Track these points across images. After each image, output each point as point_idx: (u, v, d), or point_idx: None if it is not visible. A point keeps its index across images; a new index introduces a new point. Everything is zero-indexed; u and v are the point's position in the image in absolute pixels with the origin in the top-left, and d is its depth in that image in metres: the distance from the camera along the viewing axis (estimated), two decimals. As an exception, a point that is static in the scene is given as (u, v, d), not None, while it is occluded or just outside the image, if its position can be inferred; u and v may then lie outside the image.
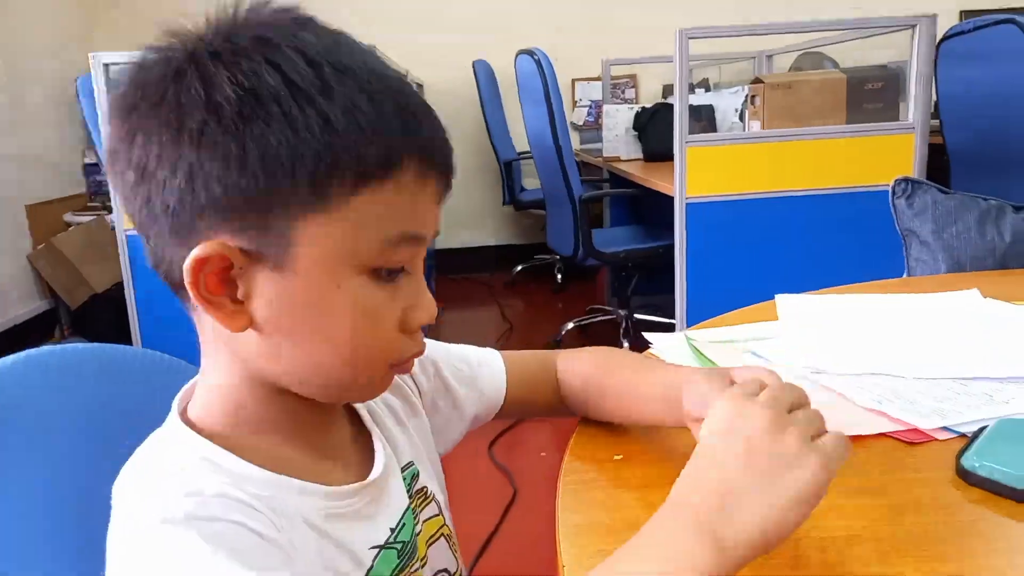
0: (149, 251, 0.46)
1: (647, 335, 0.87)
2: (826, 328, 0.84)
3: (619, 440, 0.62)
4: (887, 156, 2.25)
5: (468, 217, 4.63)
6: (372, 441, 0.55)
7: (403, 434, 0.59)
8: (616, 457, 0.59)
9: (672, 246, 2.29)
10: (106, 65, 2.13)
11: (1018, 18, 2.13)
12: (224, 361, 0.48)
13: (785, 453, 0.39)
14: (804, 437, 0.40)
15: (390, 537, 0.52)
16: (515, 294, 4.16)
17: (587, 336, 3.27)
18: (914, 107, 2.22)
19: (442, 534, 0.59)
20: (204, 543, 0.39)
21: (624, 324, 3.03)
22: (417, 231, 0.46)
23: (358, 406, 0.57)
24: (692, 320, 2.34)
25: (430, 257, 4.09)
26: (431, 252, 4.35)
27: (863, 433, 0.59)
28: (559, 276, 4.14)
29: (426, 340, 0.65)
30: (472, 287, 4.29)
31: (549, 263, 4.22)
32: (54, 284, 3.36)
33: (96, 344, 0.69)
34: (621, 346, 2.91)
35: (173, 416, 0.48)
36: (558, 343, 3.09)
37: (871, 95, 2.36)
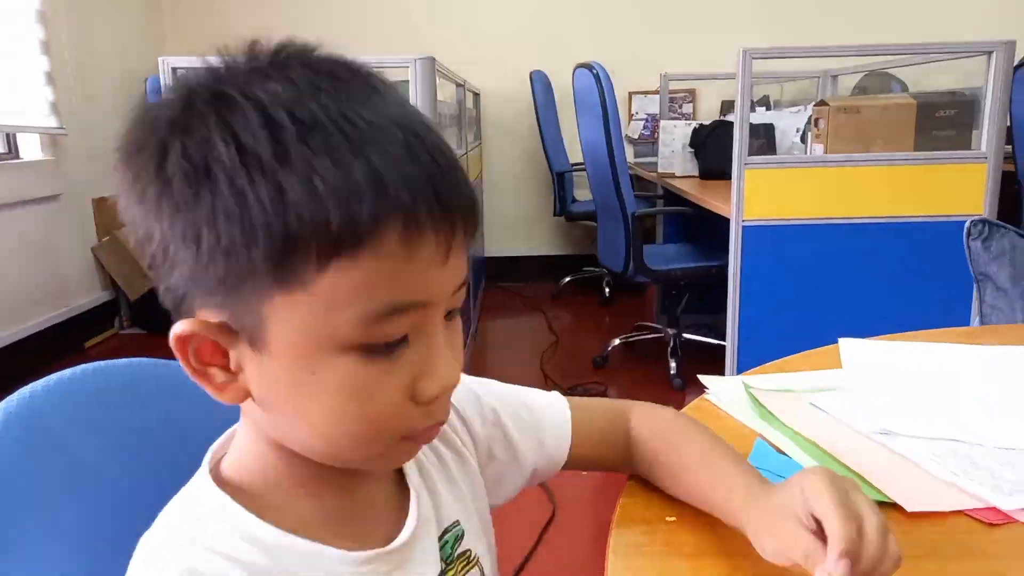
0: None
1: (702, 378, 0.84)
2: (896, 382, 0.80)
3: (674, 501, 0.59)
4: (957, 185, 2.17)
5: (518, 226, 4.63)
6: (411, 499, 0.51)
7: (451, 491, 0.55)
8: (669, 519, 0.57)
9: (725, 266, 2.25)
10: (174, 69, 2.19)
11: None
12: (247, 425, 0.47)
13: None
14: None
15: None
16: (562, 305, 4.13)
17: (634, 353, 3.22)
18: (987, 135, 2.13)
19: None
20: None
21: (672, 343, 2.98)
22: (411, 299, 0.40)
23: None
24: (743, 344, 2.28)
25: (478, 265, 4.11)
26: (480, 260, 4.35)
27: (938, 509, 0.56)
28: (607, 289, 4.10)
29: (487, 382, 0.62)
30: (519, 296, 4.28)
31: (598, 275, 4.18)
32: (116, 276, 3.47)
33: (162, 360, 0.68)
34: (669, 366, 2.87)
35: (203, 470, 0.47)
36: (604, 359, 3.06)
37: (942, 122, 2.28)
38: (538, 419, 0.61)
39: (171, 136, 0.39)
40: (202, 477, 0.47)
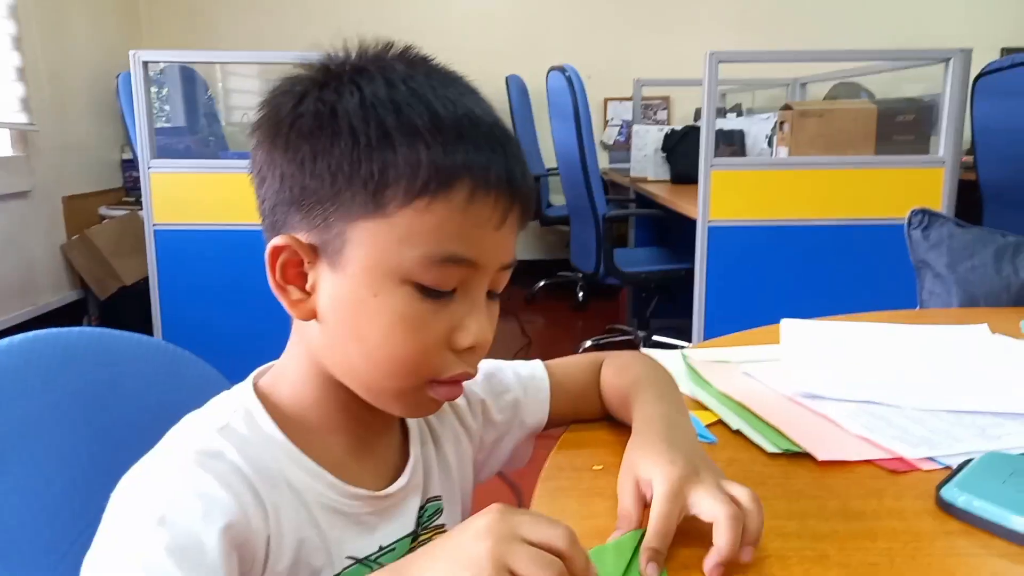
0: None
1: (646, 351, 0.87)
2: (826, 354, 0.84)
3: (602, 450, 0.62)
4: (915, 189, 2.22)
5: (494, 230, 4.64)
6: (408, 461, 0.57)
7: (441, 469, 0.60)
8: (596, 467, 0.59)
9: (693, 269, 2.28)
10: (145, 63, 2.20)
11: (1055, 56, 2.10)
12: (297, 350, 0.53)
13: (476, 558, 0.37)
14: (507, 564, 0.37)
15: (374, 554, 0.53)
16: (536, 309, 4.15)
17: (604, 355, 3.25)
18: (945, 141, 2.19)
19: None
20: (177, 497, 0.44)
21: (641, 345, 3.01)
22: (466, 255, 0.47)
23: (411, 425, 0.59)
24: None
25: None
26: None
27: (847, 459, 0.59)
28: (580, 294, 4.13)
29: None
30: (493, 300, 4.30)
31: (572, 280, 4.21)
32: (85, 275, 3.43)
33: (108, 329, 0.71)
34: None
35: (248, 378, 0.55)
36: (574, 360, 3.07)
37: (902, 127, 2.34)
38: (519, 396, 0.66)
39: (311, 89, 0.48)
40: (244, 384, 0.54)
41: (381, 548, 0.53)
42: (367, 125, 0.46)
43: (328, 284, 0.49)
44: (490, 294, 0.51)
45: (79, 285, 3.52)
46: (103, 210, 3.63)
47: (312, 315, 0.50)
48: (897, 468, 0.58)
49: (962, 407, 0.68)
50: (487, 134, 0.48)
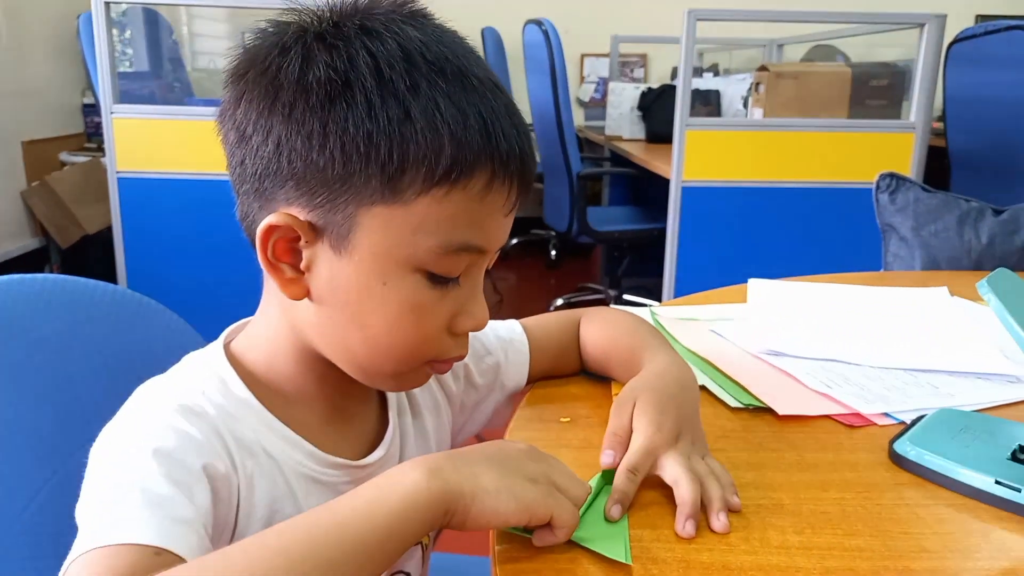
0: (238, 206, 0.50)
1: (617, 308, 0.88)
2: (791, 313, 0.85)
3: (570, 404, 0.63)
4: (886, 154, 2.25)
5: (467, 186, 4.60)
6: (387, 431, 0.56)
7: (420, 436, 0.60)
8: (563, 420, 0.60)
9: (666, 229, 2.30)
10: (107, 4, 2.11)
11: (1027, 24, 2.12)
12: (275, 317, 0.51)
13: (536, 475, 0.43)
14: (553, 486, 0.43)
15: None
16: (508, 267, 4.16)
17: (575, 313, 3.27)
18: (916, 107, 2.21)
19: (420, 541, 0.58)
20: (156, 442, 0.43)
21: (612, 304, 3.04)
22: (478, 243, 0.47)
23: (389, 395, 0.58)
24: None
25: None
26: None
27: (805, 413, 0.60)
28: (553, 252, 4.14)
29: None
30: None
31: (544, 239, 4.21)
32: (46, 222, 3.35)
33: (71, 277, 0.69)
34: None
35: (218, 341, 0.53)
36: (545, 317, 3.09)
37: (875, 92, 2.35)
38: (499, 359, 0.66)
39: (317, 50, 0.44)
40: (215, 348, 0.52)
41: None
42: (384, 102, 0.43)
43: (328, 266, 0.46)
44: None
45: (40, 233, 3.43)
46: (64, 156, 3.53)
47: (304, 295, 0.48)
48: (853, 423, 0.59)
49: (918, 365, 0.70)
50: (507, 116, 0.46)
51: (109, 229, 2.34)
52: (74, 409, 0.62)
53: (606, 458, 0.50)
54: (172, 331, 0.74)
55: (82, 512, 0.40)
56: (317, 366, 0.51)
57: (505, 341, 0.66)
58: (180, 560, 0.37)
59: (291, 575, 0.35)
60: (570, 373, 0.69)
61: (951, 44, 2.42)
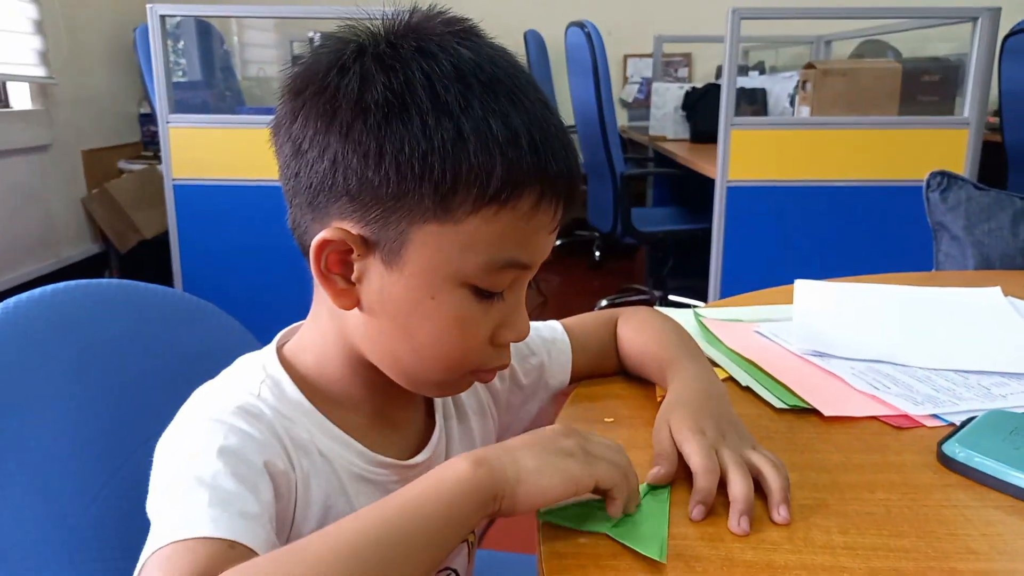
0: (290, 215, 0.51)
1: (661, 310, 0.88)
2: (838, 314, 0.84)
3: (613, 404, 0.64)
4: (938, 151, 2.19)
5: (510, 188, 4.62)
6: (433, 434, 0.58)
7: (465, 437, 0.61)
8: (607, 420, 0.61)
9: (711, 229, 2.27)
10: (162, 17, 2.19)
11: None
12: (325, 324, 0.53)
13: (571, 449, 0.45)
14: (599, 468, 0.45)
15: None
16: (552, 268, 4.15)
17: (619, 314, 3.26)
18: (970, 102, 2.15)
19: (465, 539, 0.59)
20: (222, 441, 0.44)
21: (657, 305, 3.02)
22: (524, 260, 0.48)
23: (436, 399, 0.60)
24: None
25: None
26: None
27: (852, 414, 0.60)
28: (597, 253, 4.13)
29: None
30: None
31: (588, 239, 4.20)
32: (105, 228, 3.48)
33: (132, 281, 0.73)
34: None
35: (271, 344, 0.55)
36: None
37: (927, 87, 2.30)
38: (543, 360, 0.67)
39: (375, 71, 0.45)
40: (269, 352, 0.54)
41: None
42: (439, 123, 0.44)
43: (379, 279, 0.48)
44: None
45: (99, 238, 3.56)
46: (122, 164, 3.66)
47: (355, 305, 0.49)
48: (901, 424, 0.59)
49: (968, 367, 0.69)
50: (554, 137, 0.47)
51: (165, 234, 2.42)
52: (135, 409, 0.64)
53: (655, 472, 0.50)
54: (229, 333, 0.77)
55: (153, 509, 0.42)
56: (365, 372, 0.53)
57: (548, 341, 0.68)
58: (253, 553, 0.39)
59: (366, 565, 0.37)
60: (611, 373, 0.70)
61: (1006, 37, 2.35)
